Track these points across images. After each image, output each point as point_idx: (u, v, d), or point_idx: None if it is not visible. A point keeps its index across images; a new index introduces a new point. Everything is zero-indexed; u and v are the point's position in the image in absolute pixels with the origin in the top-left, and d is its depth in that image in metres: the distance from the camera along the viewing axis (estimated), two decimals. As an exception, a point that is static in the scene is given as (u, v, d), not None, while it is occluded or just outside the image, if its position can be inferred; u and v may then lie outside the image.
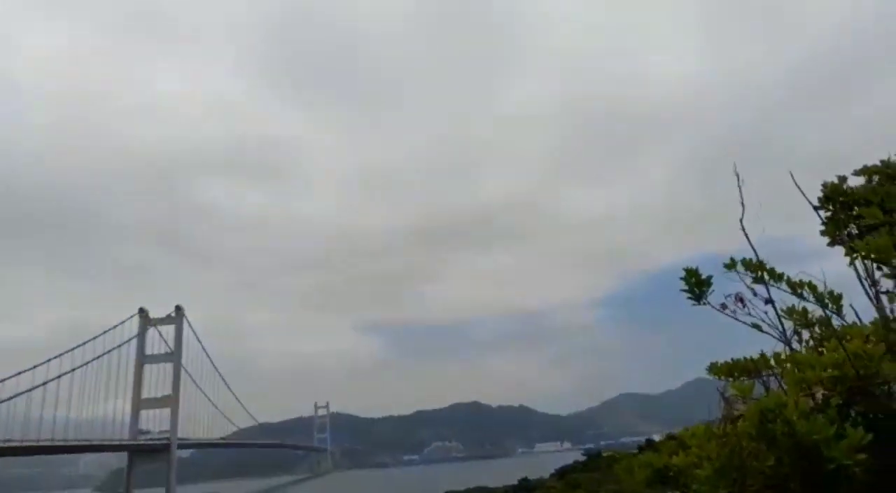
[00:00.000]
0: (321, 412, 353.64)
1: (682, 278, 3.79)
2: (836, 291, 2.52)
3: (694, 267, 3.85)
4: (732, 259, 3.76)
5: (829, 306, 3.44)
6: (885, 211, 2.04)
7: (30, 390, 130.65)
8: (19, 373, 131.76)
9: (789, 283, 3.56)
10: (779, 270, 3.57)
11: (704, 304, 3.69)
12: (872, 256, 1.99)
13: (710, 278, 3.73)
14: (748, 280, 3.62)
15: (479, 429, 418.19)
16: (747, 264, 3.71)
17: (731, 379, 3.48)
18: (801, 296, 3.57)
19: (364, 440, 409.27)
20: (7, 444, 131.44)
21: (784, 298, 3.57)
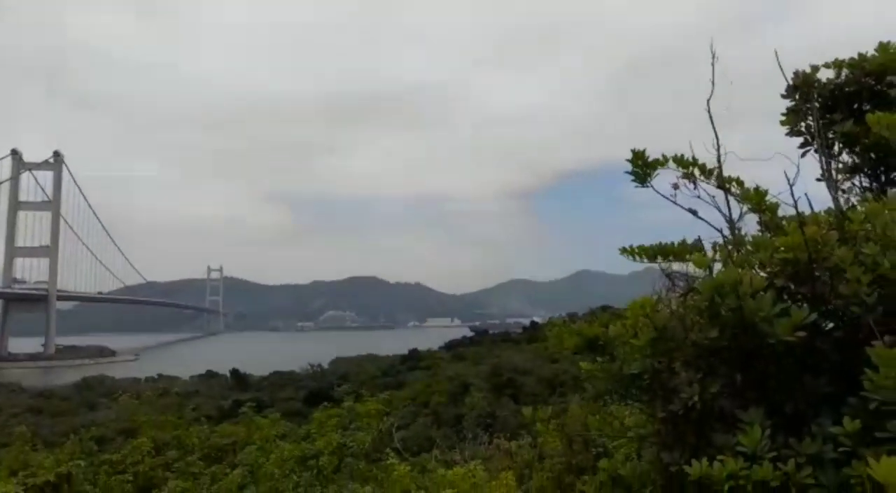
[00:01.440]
0: (214, 274, 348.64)
1: (628, 160, 3.75)
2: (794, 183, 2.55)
3: (641, 150, 3.83)
4: (664, 155, 3.74)
5: (753, 201, 3.54)
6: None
7: None
8: None
9: (718, 177, 3.62)
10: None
11: (648, 186, 3.71)
12: (885, 133, 1.99)
13: (657, 160, 3.72)
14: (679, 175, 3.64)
15: (374, 302, 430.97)
16: (678, 161, 3.72)
17: (659, 260, 3.57)
18: (728, 191, 3.65)
19: (259, 305, 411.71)
20: None
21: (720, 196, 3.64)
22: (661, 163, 3.72)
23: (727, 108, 2.78)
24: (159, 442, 8.63)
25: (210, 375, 66.55)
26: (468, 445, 8.57)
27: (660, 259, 3.49)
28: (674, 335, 2.56)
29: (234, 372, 59.03)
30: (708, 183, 3.52)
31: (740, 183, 3.61)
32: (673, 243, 3.60)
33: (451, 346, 78.00)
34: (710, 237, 3.48)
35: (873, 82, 2.74)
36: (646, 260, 3.60)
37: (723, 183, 2.86)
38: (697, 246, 3.45)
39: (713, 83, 2.75)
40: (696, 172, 3.58)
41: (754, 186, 3.62)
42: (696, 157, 3.61)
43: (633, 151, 3.76)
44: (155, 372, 70.59)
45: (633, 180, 3.69)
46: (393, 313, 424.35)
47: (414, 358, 71.55)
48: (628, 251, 3.12)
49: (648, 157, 3.69)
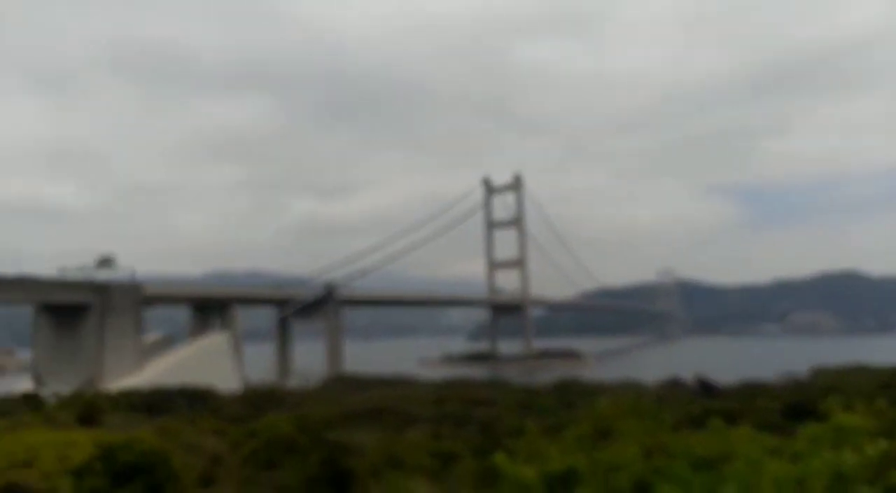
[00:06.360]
0: (665, 277, 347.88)
1: None
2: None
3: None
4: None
5: None
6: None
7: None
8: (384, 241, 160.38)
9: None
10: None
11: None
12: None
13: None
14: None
15: (854, 301, 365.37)
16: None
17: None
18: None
19: (713, 308, 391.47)
20: (388, 296, 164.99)
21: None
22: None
23: None
24: (642, 446, 8.01)
25: (674, 382, 65.18)
26: None
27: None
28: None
29: (701, 379, 56.57)
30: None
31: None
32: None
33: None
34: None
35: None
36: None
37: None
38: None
39: None
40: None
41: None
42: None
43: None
44: (615, 375, 72.30)
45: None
46: (883, 313, 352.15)
47: (926, 370, 56.41)
48: None
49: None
